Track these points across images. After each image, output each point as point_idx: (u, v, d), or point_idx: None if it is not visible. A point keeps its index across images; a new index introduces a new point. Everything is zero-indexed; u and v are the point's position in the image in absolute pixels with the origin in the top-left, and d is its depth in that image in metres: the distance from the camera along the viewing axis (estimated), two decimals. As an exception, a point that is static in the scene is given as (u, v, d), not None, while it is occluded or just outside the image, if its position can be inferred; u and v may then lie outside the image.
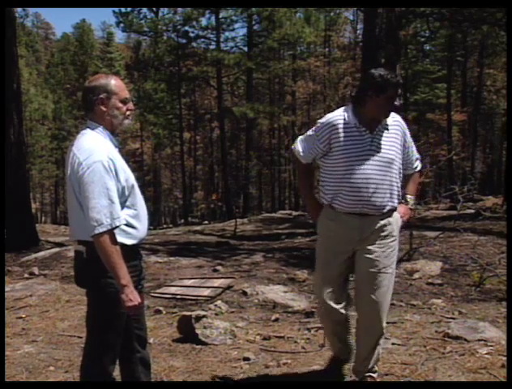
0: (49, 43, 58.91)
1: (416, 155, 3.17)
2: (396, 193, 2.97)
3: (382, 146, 2.91)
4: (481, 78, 29.67)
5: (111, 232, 2.27)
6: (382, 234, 2.96)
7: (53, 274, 7.00)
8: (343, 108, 3.02)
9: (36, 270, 7.14)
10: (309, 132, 3.06)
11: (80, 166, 2.30)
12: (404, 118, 3.22)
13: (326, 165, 3.01)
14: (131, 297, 2.28)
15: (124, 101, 2.47)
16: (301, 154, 3.06)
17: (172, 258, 7.97)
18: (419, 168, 3.23)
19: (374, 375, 3.08)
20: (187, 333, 4.11)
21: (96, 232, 2.24)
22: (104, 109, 2.43)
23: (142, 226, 2.49)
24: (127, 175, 2.42)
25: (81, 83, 42.39)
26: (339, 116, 2.95)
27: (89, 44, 46.54)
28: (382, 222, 2.95)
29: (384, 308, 2.98)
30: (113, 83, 2.45)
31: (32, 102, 37.57)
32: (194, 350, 3.91)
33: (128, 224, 2.40)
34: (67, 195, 2.46)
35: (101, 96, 2.42)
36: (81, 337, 4.04)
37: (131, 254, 2.40)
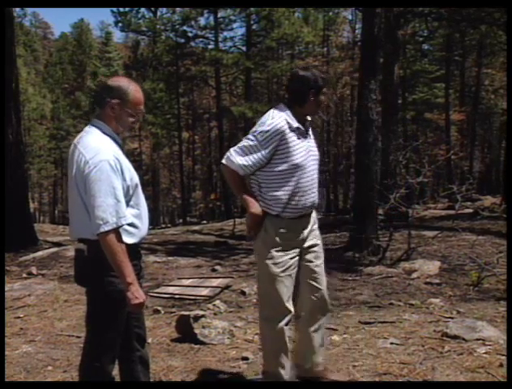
0: (47, 42, 58.78)
1: None
2: None
3: (314, 144, 3.01)
4: (479, 77, 29.70)
5: (117, 231, 2.27)
6: (314, 227, 3.07)
7: (52, 274, 7.00)
8: (276, 111, 2.87)
9: (34, 270, 7.14)
10: (249, 142, 2.81)
11: (87, 165, 2.29)
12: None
13: (271, 174, 2.85)
14: (137, 294, 2.28)
15: (133, 115, 2.43)
16: (243, 167, 2.82)
17: (170, 258, 7.98)
18: None
19: (321, 368, 3.11)
20: (185, 333, 4.11)
21: (102, 230, 2.24)
22: (112, 114, 2.40)
23: (143, 225, 2.49)
24: (132, 174, 2.42)
25: (79, 83, 42.47)
26: (282, 121, 2.82)
27: (87, 44, 46.60)
28: (313, 216, 3.06)
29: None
30: (133, 93, 2.40)
31: (31, 102, 37.56)
32: (192, 350, 3.90)
33: (130, 224, 2.39)
34: (69, 193, 2.44)
35: (114, 100, 2.38)
36: (79, 337, 4.05)
37: (132, 253, 2.39)
